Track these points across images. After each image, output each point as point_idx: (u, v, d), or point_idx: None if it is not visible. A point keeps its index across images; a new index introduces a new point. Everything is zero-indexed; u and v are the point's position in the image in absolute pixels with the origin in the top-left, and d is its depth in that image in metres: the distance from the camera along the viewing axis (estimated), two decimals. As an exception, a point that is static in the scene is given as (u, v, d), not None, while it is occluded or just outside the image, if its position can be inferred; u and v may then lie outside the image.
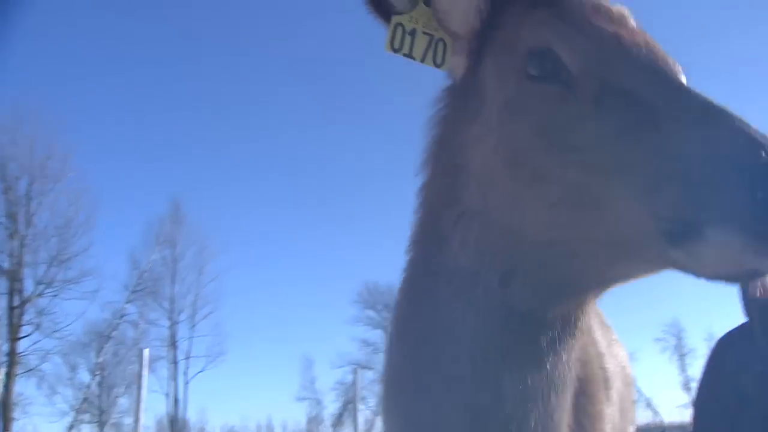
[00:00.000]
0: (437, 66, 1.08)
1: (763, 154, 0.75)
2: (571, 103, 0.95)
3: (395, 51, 1.07)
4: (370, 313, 32.78)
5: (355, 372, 15.34)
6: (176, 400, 25.72)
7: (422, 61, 1.07)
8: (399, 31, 1.06)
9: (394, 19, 1.07)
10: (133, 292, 24.27)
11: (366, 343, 32.61)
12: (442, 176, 1.14)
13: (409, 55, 1.07)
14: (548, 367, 1.03)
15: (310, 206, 41.50)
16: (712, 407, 2.10)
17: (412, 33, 1.07)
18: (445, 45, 1.08)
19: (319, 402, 33.91)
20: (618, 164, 0.88)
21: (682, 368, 27.81)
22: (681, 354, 27.90)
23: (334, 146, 40.33)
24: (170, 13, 37.32)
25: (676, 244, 0.82)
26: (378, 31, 1.11)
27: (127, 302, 23.98)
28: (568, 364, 1.06)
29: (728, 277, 0.82)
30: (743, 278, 0.83)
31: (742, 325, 2.04)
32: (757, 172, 0.74)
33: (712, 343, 2.24)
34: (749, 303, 1.99)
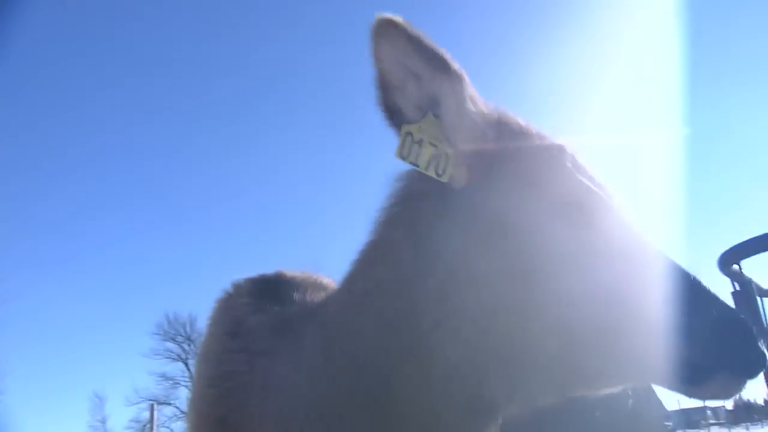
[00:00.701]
0: (438, 176, 1.11)
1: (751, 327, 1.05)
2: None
3: (403, 159, 1.10)
4: (170, 345, 30.75)
5: (151, 408, 14.30)
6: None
7: (425, 170, 1.11)
8: (408, 139, 1.09)
9: (404, 128, 1.10)
10: None
11: (165, 377, 30.39)
12: (417, 270, 1.13)
13: (415, 164, 1.10)
14: None
15: (102, 230, 38.12)
16: None
17: (419, 142, 1.10)
18: (447, 158, 1.12)
19: (110, 443, 30.72)
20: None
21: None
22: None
23: (122, 165, 37.68)
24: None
25: (687, 384, 1.04)
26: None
27: None
28: None
29: (720, 398, 1.10)
30: (730, 397, 1.09)
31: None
32: (752, 337, 1.04)
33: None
34: None
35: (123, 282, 39.20)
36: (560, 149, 1.17)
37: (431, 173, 1.11)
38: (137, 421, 29.05)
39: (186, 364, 30.71)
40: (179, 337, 30.70)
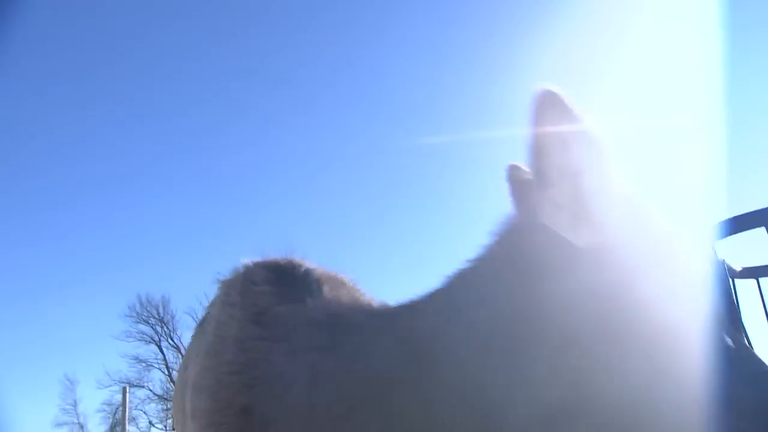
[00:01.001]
0: (572, 238, 1.17)
1: None
2: None
3: (543, 220, 1.17)
4: (143, 327, 30.49)
5: (124, 391, 14.24)
6: None
7: (562, 232, 1.16)
8: (550, 202, 1.15)
9: (548, 191, 1.15)
10: None
11: (137, 359, 30.15)
12: (534, 326, 1.15)
13: (554, 226, 1.17)
14: None
15: (72, 208, 37.38)
16: None
17: (559, 206, 1.16)
18: (584, 222, 1.16)
19: (82, 426, 30.57)
20: None
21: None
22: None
23: (90, 143, 36.82)
24: None
25: None
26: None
27: None
28: None
29: None
30: None
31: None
32: None
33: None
34: None
35: (94, 262, 38.46)
36: (680, 235, 1.21)
37: (567, 235, 1.16)
38: (109, 404, 28.95)
39: (159, 347, 30.59)
40: (152, 319, 30.54)
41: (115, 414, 26.98)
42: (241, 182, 37.66)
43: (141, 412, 30.45)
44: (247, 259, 1.71)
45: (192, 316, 30.40)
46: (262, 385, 1.35)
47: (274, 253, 1.70)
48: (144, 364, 30.26)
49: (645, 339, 1.07)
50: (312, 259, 1.69)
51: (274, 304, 1.48)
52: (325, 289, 1.53)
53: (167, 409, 30.99)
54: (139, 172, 38.20)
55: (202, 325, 1.70)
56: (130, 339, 30.05)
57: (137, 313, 30.23)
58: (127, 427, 12.54)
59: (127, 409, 12.18)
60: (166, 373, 30.49)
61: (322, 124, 37.35)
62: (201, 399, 1.47)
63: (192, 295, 38.39)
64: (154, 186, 37.58)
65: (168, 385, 30.55)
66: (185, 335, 31.53)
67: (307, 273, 1.58)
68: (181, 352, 30.56)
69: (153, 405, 30.72)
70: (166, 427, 31.36)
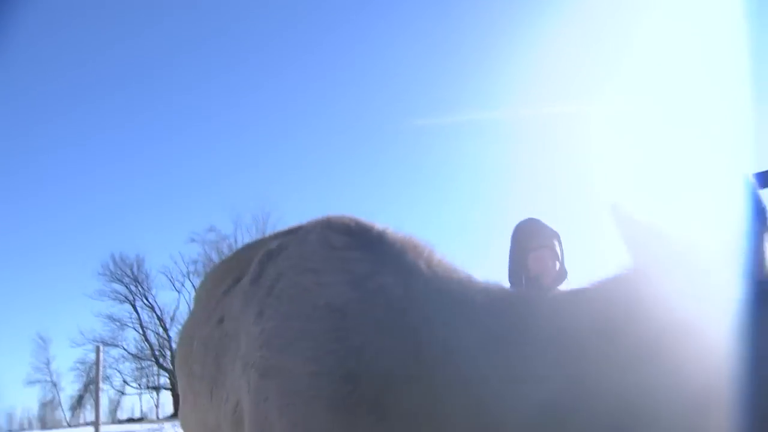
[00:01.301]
0: None
1: None
2: None
3: None
4: (117, 286, 30.18)
5: (97, 350, 14.18)
6: None
7: None
8: None
9: None
10: None
11: (111, 318, 29.91)
12: None
13: None
14: None
15: (45, 163, 36.49)
16: None
17: None
18: None
19: (55, 384, 30.45)
20: None
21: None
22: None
23: (65, 98, 35.82)
24: None
25: None
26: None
27: None
28: None
29: None
30: None
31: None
32: None
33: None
34: None
35: (67, 220, 37.88)
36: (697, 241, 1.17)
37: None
38: (83, 363, 28.78)
39: (133, 306, 30.34)
40: (126, 278, 30.20)
41: (89, 373, 26.89)
42: (217, 141, 37.12)
43: (115, 371, 30.42)
44: (311, 221, 1.64)
45: (167, 276, 30.26)
46: (373, 353, 1.31)
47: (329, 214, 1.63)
48: (118, 324, 30.05)
49: (645, 340, 1.03)
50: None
51: (371, 272, 1.43)
52: (413, 257, 1.46)
53: (141, 368, 31.01)
54: (115, 129, 37.40)
55: (257, 282, 1.63)
56: (104, 298, 29.78)
57: (111, 272, 29.92)
58: (101, 385, 12.52)
59: (100, 368, 12.11)
60: (141, 332, 30.40)
61: (301, 86, 36.80)
62: (290, 359, 1.42)
63: (167, 255, 38.19)
64: (129, 144, 36.88)
65: (142, 344, 30.50)
66: (160, 295, 31.37)
67: (382, 236, 1.52)
68: (155, 312, 30.44)
69: (127, 364, 30.69)
70: (140, 385, 31.40)
